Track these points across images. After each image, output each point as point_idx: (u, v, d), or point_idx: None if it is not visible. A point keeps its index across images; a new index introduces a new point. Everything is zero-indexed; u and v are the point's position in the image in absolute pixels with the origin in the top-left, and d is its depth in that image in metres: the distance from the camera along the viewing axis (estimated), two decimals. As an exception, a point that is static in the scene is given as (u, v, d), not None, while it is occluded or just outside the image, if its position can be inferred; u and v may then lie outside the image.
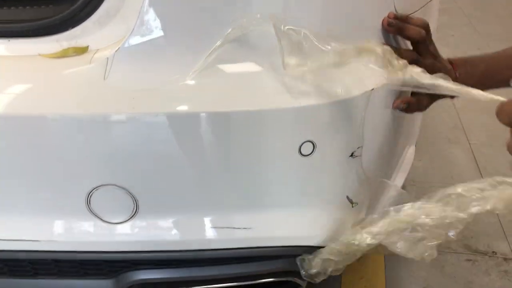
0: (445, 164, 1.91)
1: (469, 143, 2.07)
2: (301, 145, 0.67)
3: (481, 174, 1.85)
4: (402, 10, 0.82)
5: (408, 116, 0.95)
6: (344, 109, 0.67)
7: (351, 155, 0.71)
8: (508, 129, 0.59)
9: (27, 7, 0.73)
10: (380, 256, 1.44)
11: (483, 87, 0.82)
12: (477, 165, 1.91)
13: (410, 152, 1.17)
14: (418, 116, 1.21)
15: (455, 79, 0.81)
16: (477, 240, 1.51)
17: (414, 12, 0.90)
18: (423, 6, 0.99)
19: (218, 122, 0.64)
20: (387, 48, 0.68)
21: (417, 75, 0.64)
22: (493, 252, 1.46)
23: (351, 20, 0.70)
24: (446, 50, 3.04)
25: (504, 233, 1.53)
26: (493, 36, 3.44)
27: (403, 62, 0.67)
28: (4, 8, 0.73)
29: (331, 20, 0.68)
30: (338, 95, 0.66)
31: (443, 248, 1.47)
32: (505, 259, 1.44)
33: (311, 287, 1.11)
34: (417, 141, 2.09)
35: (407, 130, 1.04)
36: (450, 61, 0.83)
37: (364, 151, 0.74)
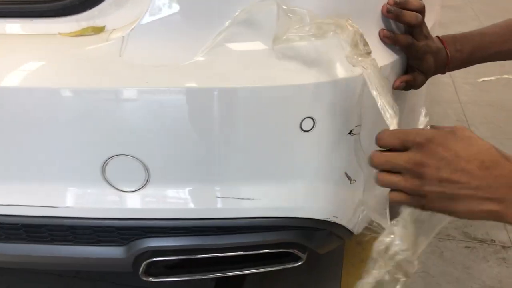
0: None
1: (472, 136, 2.10)
2: (302, 121, 0.71)
3: (483, 165, 1.88)
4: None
5: (409, 102, 0.99)
6: (343, 88, 0.71)
7: (350, 133, 0.76)
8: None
9: (48, -11, 0.78)
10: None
11: (472, 62, 0.89)
12: (480, 157, 1.94)
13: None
14: (419, 105, 1.24)
15: (447, 56, 0.86)
16: (476, 228, 1.54)
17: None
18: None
19: (225, 97, 0.69)
20: (359, 31, 0.67)
21: (372, 67, 0.66)
22: (492, 240, 1.50)
23: (351, 4, 0.74)
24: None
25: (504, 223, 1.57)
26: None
27: (368, 50, 0.67)
28: (27, -10, 0.78)
29: (333, 3, 0.72)
30: (337, 74, 0.70)
31: (443, 235, 1.51)
32: (503, 247, 1.47)
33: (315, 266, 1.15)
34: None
35: (408, 115, 1.07)
36: (440, 39, 0.87)
37: (363, 130, 0.78)
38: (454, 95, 2.54)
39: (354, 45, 0.65)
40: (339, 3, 0.72)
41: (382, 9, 0.78)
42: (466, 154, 0.56)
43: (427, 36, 0.82)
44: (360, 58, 0.65)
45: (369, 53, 0.67)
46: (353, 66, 0.67)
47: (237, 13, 0.68)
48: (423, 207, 0.60)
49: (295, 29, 0.66)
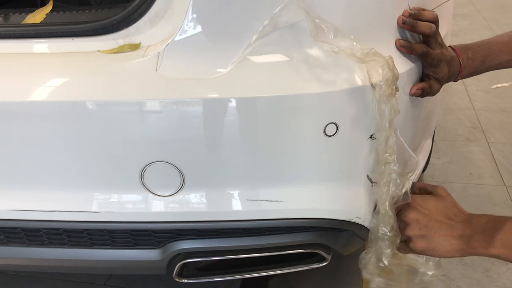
0: (463, 162, 1.97)
1: (487, 142, 2.12)
2: (326, 127, 0.76)
3: (498, 170, 1.90)
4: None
5: (425, 109, 1.04)
6: (364, 94, 0.76)
7: (370, 137, 0.80)
8: None
9: (86, 11, 0.85)
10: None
11: (483, 69, 0.94)
12: (495, 162, 1.96)
13: (426, 145, 1.25)
14: (435, 111, 1.28)
15: (459, 64, 0.90)
16: (496, 232, 1.56)
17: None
18: (437, 7, 1.07)
19: (252, 106, 0.74)
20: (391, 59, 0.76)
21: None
22: (510, 244, 1.51)
23: (370, 15, 0.79)
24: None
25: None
26: None
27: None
28: (67, 12, 0.85)
29: (353, 15, 0.77)
30: (357, 81, 0.75)
31: (461, 239, 1.53)
32: (522, 249, 1.48)
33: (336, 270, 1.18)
34: (437, 141, 2.16)
35: (424, 122, 1.11)
36: (453, 48, 0.92)
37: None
38: (468, 102, 2.56)
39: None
40: (358, 16, 0.78)
41: (398, 20, 0.83)
42: (437, 209, 0.85)
43: (442, 45, 0.87)
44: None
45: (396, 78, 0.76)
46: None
47: (261, 28, 0.74)
48: (410, 249, 0.87)
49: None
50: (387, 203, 0.81)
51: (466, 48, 0.94)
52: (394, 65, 0.75)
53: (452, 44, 0.95)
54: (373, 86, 0.76)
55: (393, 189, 0.81)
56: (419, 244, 0.85)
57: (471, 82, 2.73)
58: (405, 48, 0.84)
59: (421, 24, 0.83)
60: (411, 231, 0.85)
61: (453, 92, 2.63)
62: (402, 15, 0.83)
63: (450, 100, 2.56)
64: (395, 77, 0.75)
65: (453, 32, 3.85)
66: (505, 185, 1.80)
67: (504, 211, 1.65)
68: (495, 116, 2.39)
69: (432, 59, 0.85)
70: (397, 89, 0.76)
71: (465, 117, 2.39)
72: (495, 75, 2.75)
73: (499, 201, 1.71)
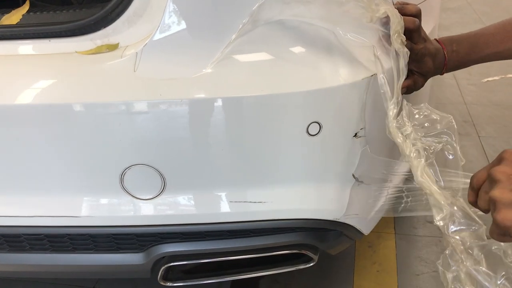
0: (455, 156, 1.96)
1: (478, 136, 2.12)
2: (309, 126, 0.75)
3: (490, 164, 1.90)
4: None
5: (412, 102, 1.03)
6: (347, 92, 0.75)
7: (355, 136, 0.79)
8: None
9: (64, 11, 0.83)
10: (391, 242, 1.50)
11: (469, 62, 0.92)
12: (486, 156, 1.96)
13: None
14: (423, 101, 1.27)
15: (444, 57, 0.89)
16: (486, 229, 1.55)
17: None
18: (424, 1, 1.06)
19: (234, 106, 0.73)
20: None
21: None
22: (502, 237, 1.51)
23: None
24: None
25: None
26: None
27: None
28: (44, 12, 0.83)
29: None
30: (341, 79, 0.73)
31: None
32: (513, 244, 1.48)
33: (327, 269, 1.18)
34: (427, 135, 2.14)
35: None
36: (438, 41, 0.91)
37: (368, 133, 0.81)
38: (459, 96, 2.56)
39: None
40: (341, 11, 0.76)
41: None
42: None
43: (425, 39, 0.86)
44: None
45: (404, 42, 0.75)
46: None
47: (241, 26, 0.72)
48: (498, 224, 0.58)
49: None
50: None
51: (451, 40, 0.92)
52: (398, 14, 0.75)
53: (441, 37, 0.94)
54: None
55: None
56: None
57: (462, 76, 2.73)
58: (389, 44, 0.82)
59: (404, 19, 0.82)
60: (500, 192, 0.57)
61: (445, 86, 2.62)
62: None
63: (441, 94, 2.55)
64: (402, 24, 0.76)
65: (444, 26, 3.84)
66: (496, 180, 1.80)
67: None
68: (486, 110, 2.39)
69: (415, 54, 0.84)
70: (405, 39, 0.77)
71: (456, 111, 2.38)
72: (486, 69, 2.75)
73: (491, 196, 1.70)
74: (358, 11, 0.72)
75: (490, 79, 2.72)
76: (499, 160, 0.62)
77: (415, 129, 0.72)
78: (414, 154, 0.70)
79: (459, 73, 2.78)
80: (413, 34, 0.83)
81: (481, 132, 2.14)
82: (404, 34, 0.85)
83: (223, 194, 0.80)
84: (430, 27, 1.08)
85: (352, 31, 0.73)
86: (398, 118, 0.73)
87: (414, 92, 0.91)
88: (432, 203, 0.67)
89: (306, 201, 0.81)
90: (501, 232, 0.58)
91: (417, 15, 0.83)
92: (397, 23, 0.75)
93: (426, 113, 0.74)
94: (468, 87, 2.66)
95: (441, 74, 0.93)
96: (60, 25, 0.78)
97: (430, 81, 1.23)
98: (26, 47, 0.79)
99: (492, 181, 0.60)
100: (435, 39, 0.91)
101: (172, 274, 0.90)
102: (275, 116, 0.74)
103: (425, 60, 0.86)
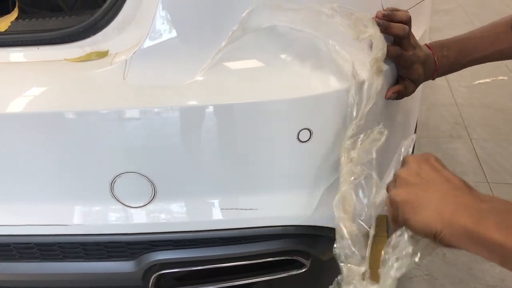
0: (447, 159, 1.97)
1: (470, 138, 2.13)
2: (299, 132, 0.75)
3: (481, 167, 1.91)
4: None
5: (402, 108, 1.03)
6: (336, 99, 0.75)
7: (346, 142, 0.79)
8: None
9: (53, 18, 0.82)
10: (382, 247, 1.51)
11: (459, 66, 0.92)
12: (478, 158, 1.97)
13: (407, 144, 1.24)
14: (414, 109, 1.28)
15: (435, 63, 0.89)
16: (478, 229, 1.56)
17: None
18: (414, 6, 1.06)
19: (225, 113, 0.73)
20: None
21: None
22: (493, 240, 1.52)
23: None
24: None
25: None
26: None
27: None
28: (33, 19, 0.82)
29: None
30: (331, 86, 0.74)
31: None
32: (505, 246, 1.49)
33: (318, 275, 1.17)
34: (420, 138, 2.15)
35: (402, 122, 1.11)
36: (428, 46, 0.90)
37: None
38: (451, 98, 2.57)
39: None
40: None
41: None
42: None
43: (415, 45, 0.86)
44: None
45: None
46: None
47: (231, 33, 0.72)
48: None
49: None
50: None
51: (441, 45, 0.92)
52: (384, 40, 0.74)
53: (433, 40, 0.94)
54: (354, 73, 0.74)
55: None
56: (401, 191, 0.61)
57: (453, 78, 2.74)
58: None
59: (394, 26, 0.82)
60: (399, 176, 0.62)
61: (436, 88, 2.64)
62: (376, 16, 0.82)
63: (433, 96, 2.57)
64: (384, 53, 0.74)
65: (435, 28, 3.87)
66: (487, 182, 1.81)
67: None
68: (477, 112, 2.40)
69: (405, 61, 0.84)
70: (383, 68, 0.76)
71: (448, 113, 2.40)
72: (478, 71, 2.76)
73: (482, 197, 1.71)
74: (345, 26, 0.72)
75: (481, 81, 2.74)
76: (402, 163, 0.67)
77: (359, 156, 0.72)
78: (345, 179, 0.72)
79: (451, 75, 2.79)
80: (403, 41, 0.83)
81: (473, 134, 2.16)
82: (394, 41, 0.85)
83: (214, 202, 0.79)
84: (421, 31, 1.09)
85: (339, 43, 0.73)
86: (353, 139, 0.73)
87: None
88: (337, 231, 0.71)
89: (297, 207, 0.81)
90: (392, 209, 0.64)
91: (407, 21, 0.83)
92: (379, 49, 0.73)
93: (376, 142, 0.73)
94: (460, 89, 2.67)
95: (433, 79, 0.93)
96: (49, 32, 0.77)
97: (423, 83, 1.23)
98: (14, 54, 0.78)
99: (393, 180, 0.65)
100: (426, 45, 0.91)
101: (163, 282, 0.89)
102: (266, 123, 0.74)
103: (415, 67, 0.86)
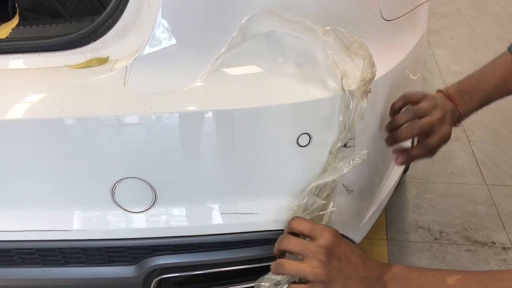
0: (445, 161, 1.98)
1: (469, 140, 2.14)
2: (299, 137, 0.75)
3: (480, 169, 1.91)
4: (388, 15, 0.90)
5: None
6: (335, 103, 0.75)
7: (345, 146, 0.79)
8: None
9: (53, 24, 0.83)
10: (383, 248, 1.51)
11: (482, 107, 0.92)
12: (476, 161, 1.98)
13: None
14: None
15: (460, 117, 0.89)
16: (477, 232, 1.57)
17: (400, 17, 0.98)
18: (413, 10, 1.07)
19: (225, 118, 0.73)
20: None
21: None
22: (492, 242, 1.53)
23: (339, 18, 0.78)
24: (444, 52, 3.14)
25: (503, 225, 1.60)
26: (490, 34, 3.51)
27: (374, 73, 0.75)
28: (34, 26, 0.83)
29: (320, 15, 0.76)
30: (330, 90, 0.74)
31: (444, 240, 1.54)
32: (503, 248, 1.50)
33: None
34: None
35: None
36: (448, 95, 0.89)
37: (358, 143, 0.82)
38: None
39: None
40: (327, 17, 0.77)
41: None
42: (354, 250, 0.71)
43: (441, 123, 0.86)
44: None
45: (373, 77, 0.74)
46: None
47: (230, 39, 0.73)
48: None
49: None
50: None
51: (460, 92, 0.90)
52: (374, 63, 0.74)
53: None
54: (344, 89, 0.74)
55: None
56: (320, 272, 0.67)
57: (452, 80, 2.73)
58: (403, 162, 0.90)
59: (400, 133, 0.86)
60: (331, 272, 0.68)
61: (434, 91, 2.65)
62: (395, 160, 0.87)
63: (431, 99, 2.57)
64: (373, 75, 0.74)
65: (433, 30, 3.87)
66: (486, 184, 1.82)
67: (486, 210, 1.66)
68: (476, 114, 2.40)
69: (435, 148, 0.87)
70: (369, 90, 0.75)
71: (446, 116, 2.40)
72: (475, 73, 2.77)
73: (481, 200, 1.72)
74: (339, 44, 0.73)
75: (479, 83, 2.74)
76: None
77: (336, 168, 0.76)
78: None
79: (449, 77, 2.80)
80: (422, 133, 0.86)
81: (471, 137, 2.16)
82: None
83: (214, 206, 0.80)
84: (417, 37, 1.10)
85: (335, 55, 0.74)
86: (338, 150, 0.77)
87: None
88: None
89: (297, 211, 0.81)
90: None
91: (419, 115, 0.86)
92: (368, 72, 0.73)
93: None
94: (458, 91, 2.68)
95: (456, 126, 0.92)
96: (50, 39, 0.78)
97: (422, 87, 1.24)
98: (15, 61, 0.79)
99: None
100: (443, 93, 0.90)
101: (164, 286, 0.89)
102: (266, 128, 0.74)
103: (445, 137, 0.88)
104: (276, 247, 0.74)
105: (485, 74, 0.91)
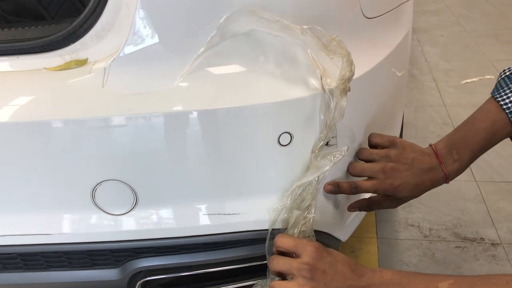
0: (435, 159, 1.97)
1: (458, 138, 2.14)
2: (280, 136, 0.75)
3: (470, 167, 1.92)
4: (370, 13, 0.90)
5: (385, 110, 1.03)
6: (316, 102, 0.75)
7: (327, 144, 0.79)
8: None
9: (32, 27, 0.82)
10: (373, 247, 1.51)
11: (476, 158, 0.88)
12: (466, 158, 1.98)
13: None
14: (398, 113, 1.29)
15: (444, 175, 0.86)
16: (466, 228, 1.57)
17: (383, 15, 0.98)
18: (396, 7, 1.06)
19: (205, 119, 0.73)
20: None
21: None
22: (481, 238, 1.53)
23: (320, 15, 0.78)
24: (434, 50, 3.14)
25: (492, 221, 1.60)
26: (480, 31, 3.53)
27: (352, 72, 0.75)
28: (12, 29, 0.82)
29: (300, 13, 0.75)
30: (310, 89, 0.74)
31: (433, 237, 1.54)
32: (492, 244, 1.50)
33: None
34: (408, 139, 2.15)
35: (387, 124, 1.11)
36: (435, 151, 0.86)
37: (339, 141, 0.82)
38: (439, 98, 2.59)
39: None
40: (305, 15, 0.76)
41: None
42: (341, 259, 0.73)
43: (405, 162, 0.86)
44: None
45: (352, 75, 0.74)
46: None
47: (209, 39, 0.72)
48: None
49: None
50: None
51: (449, 146, 0.86)
52: (352, 61, 0.74)
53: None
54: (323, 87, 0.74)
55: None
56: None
57: (441, 78, 2.76)
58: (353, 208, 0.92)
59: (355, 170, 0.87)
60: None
61: (424, 88, 2.65)
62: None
63: (421, 97, 2.58)
64: (352, 74, 0.74)
65: (423, 29, 3.88)
66: (475, 180, 1.82)
67: (475, 207, 1.67)
68: (465, 111, 2.42)
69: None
70: (349, 88, 0.75)
71: (436, 114, 2.41)
72: (465, 70, 2.79)
73: (470, 196, 1.73)
74: (317, 43, 0.72)
75: (469, 80, 2.76)
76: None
77: (318, 167, 0.77)
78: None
79: (438, 75, 2.82)
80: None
81: (461, 134, 2.17)
82: None
83: (197, 207, 0.79)
84: (402, 34, 1.09)
85: (315, 53, 0.74)
86: (320, 148, 0.77)
87: (393, 95, 0.92)
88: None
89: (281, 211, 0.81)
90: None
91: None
92: (347, 70, 0.73)
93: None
94: (448, 89, 2.69)
95: (447, 183, 0.88)
96: (28, 41, 0.77)
97: (410, 84, 1.23)
98: (-7, 64, 0.78)
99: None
100: (432, 148, 0.87)
101: (149, 289, 0.89)
102: (246, 128, 0.74)
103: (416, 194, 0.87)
104: (270, 269, 0.77)
105: (474, 126, 0.86)
